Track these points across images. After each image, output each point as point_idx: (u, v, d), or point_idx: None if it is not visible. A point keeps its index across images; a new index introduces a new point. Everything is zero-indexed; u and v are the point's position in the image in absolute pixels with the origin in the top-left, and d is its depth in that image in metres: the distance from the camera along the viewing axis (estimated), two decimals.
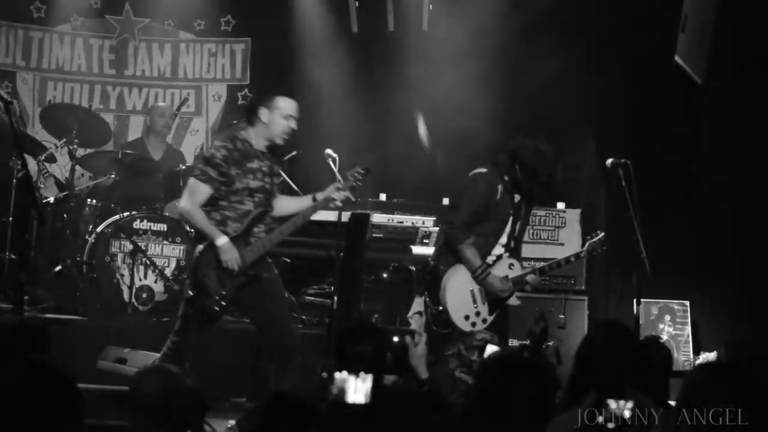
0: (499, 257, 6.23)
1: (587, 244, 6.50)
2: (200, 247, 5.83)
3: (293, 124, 6.00)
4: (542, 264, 6.44)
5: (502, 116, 8.79)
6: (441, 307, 6.10)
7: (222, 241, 5.74)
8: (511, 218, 6.25)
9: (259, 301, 5.90)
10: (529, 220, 6.56)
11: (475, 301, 6.14)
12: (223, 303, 5.79)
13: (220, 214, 5.83)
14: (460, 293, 6.12)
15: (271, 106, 5.91)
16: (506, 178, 6.18)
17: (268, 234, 5.91)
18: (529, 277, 6.24)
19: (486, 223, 6.16)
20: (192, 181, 5.85)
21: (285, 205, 6.13)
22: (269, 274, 5.97)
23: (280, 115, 5.92)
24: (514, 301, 6.29)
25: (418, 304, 6.29)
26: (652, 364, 4.21)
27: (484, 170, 6.21)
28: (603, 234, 6.49)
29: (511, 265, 6.24)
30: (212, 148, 5.98)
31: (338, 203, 6.07)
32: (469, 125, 8.59)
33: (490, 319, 6.17)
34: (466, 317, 6.11)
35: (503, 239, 6.25)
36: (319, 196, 6.05)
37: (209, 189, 5.78)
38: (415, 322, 6.21)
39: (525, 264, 6.54)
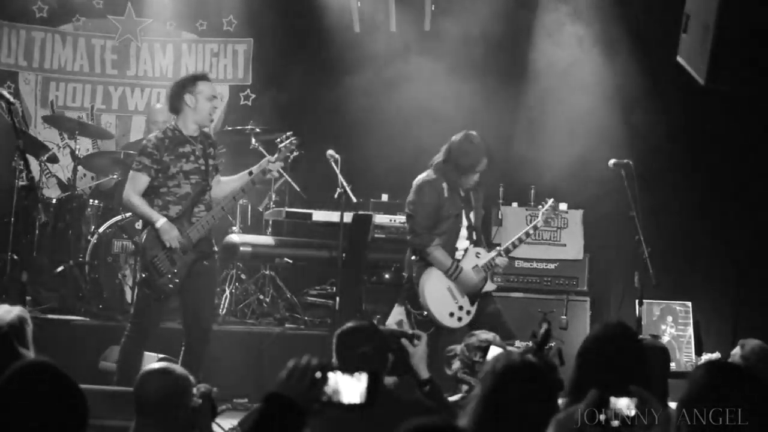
0: (466, 250, 6.48)
1: (540, 213, 6.77)
2: (144, 231, 6.13)
3: (217, 104, 6.43)
4: (506, 244, 6.64)
5: (502, 116, 8.79)
6: (425, 312, 6.35)
7: (160, 222, 6.02)
8: (463, 211, 6.48)
9: (195, 290, 6.15)
10: (481, 208, 6.73)
11: (455, 297, 6.43)
12: (177, 280, 6.06)
13: (162, 199, 6.10)
14: (438, 294, 6.39)
15: (194, 91, 6.14)
16: (445, 177, 6.41)
17: (209, 211, 6.15)
18: (498, 260, 6.52)
19: (442, 223, 6.42)
20: (131, 173, 6.16)
21: (229, 184, 6.33)
22: (210, 263, 6.24)
23: (204, 98, 6.17)
24: (489, 286, 6.57)
25: (398, 313, 6.54)
26: (649, 365, 4.21)
27: (424, 175, 6.50)
28: (552, 200, 6.78)
29: (477, 254, 6.52)
30: (145, 139, 6.31)
31: (274, 173, 6.51)
32: (470, 125, 8.57)
33: (473, 309, 6.45)
34: (451, 314, 6.41)
35: (464, 232, 6.50)
36: (255, 169, 6.26)
37: (146, 177, 6.07)
38: None
39: (499, 251, 6.65)
